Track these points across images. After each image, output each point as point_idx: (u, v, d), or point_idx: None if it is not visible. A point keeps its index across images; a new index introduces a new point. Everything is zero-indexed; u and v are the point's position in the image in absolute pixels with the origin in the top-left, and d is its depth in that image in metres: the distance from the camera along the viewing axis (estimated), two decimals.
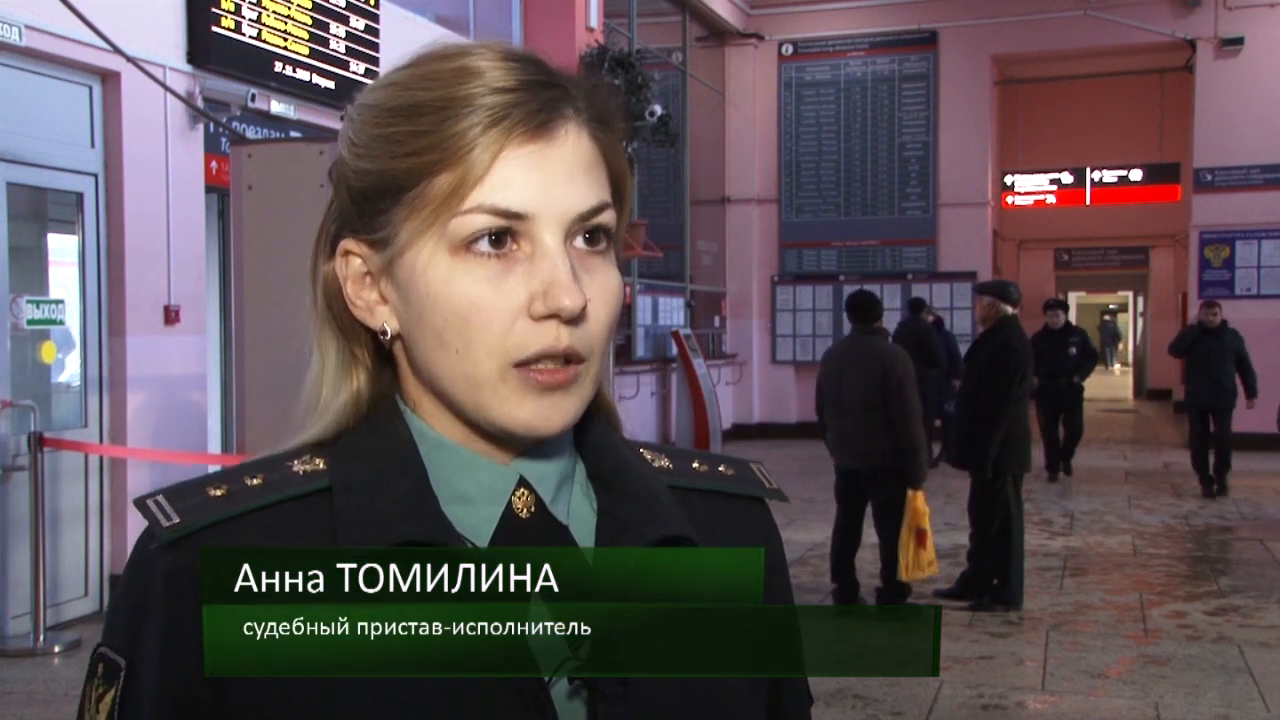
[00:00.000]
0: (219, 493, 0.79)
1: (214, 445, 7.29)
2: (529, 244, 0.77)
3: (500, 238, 0.76)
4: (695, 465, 0.92)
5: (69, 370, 6.40)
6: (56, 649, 5.64)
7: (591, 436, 0.87)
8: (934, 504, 6.30)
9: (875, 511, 6.34)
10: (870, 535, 6.50)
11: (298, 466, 0.81)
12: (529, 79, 0.78)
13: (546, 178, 0.77)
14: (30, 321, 5.99)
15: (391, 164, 0.78)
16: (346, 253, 0.82)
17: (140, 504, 0.79)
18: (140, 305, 6.55)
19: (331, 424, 0.83)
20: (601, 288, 0.79)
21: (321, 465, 0.81)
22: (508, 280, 0.76)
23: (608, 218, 0.80)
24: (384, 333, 0.82)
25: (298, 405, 0.87)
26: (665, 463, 0.91)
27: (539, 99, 0.77)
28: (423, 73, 0.79)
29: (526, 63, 0.79)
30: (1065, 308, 11.87)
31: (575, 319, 0.76)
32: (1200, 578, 7.30)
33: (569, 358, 0.77)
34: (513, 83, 0.77)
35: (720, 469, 0.93)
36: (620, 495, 0.84)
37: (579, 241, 0.79)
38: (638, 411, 12.46)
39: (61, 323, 6.20)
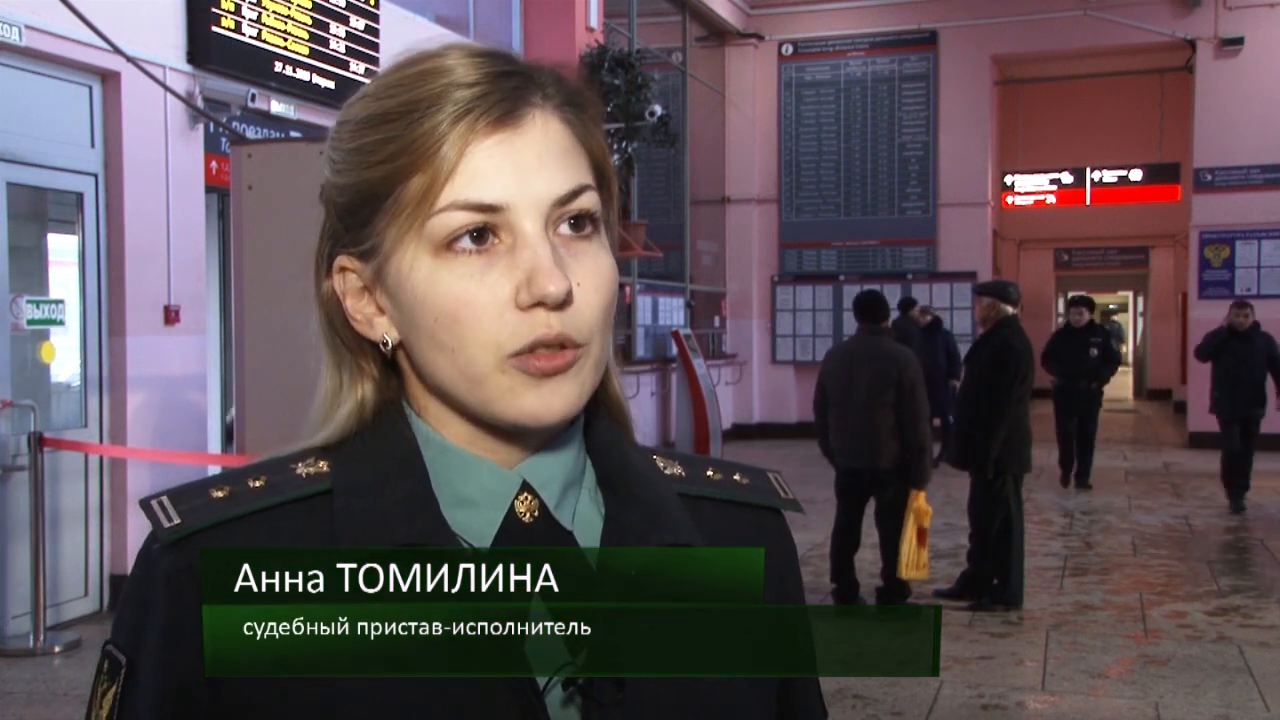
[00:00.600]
0: (221, 494, 0.79)
1: (214, 445, 7.29)
2: (509, 235, 0.76)
3: (480, 234, 0.76)
4: (709, 473, 0.91)
5: (69, 370, 6.40)
6: (56, 649, 5.63)
7: (600, 439, 0.86)
8: (934, 504, 6.31)
9: (878, 511, 6.34)
10: (870, 535, 6.50)
11: (301, 469, 0.81)
12: (492, 71, 0.78)
13: (518, 166, 0.76)
14: (30, 321, 5.99)
15: (367, 174, 0.78)
16: (342, 269, 0.82)
17: (144, 505, 0.80)
18: (140, 305, 6.55)
19: (336, 430, 0.83)
20: (590, 271, 0.78)
21: (324, 468, 0.81)
22: (491, 274, 0.76)
23: (589, 200, 0.79)
24: (384, 343, 0.82)
25: (301, 411, 0.87)
26: (678, 470, 0.90)
27: (502, 89, 0.77)
28: (391, 81, 0.79)
29: (491, 57, 0.79)
30: (1090, 305, 10.88)
31: (562, 304, 0.76)
32: (1200, 578, 7.30)
33: (564, 343, 0.76)
34: (476, 76, 0.77)
35: (735, 477, 0.92)
36: (626, 501, 0.83)
37: (563, 228, 0.78)
38: (638, 411, 12.45)
39: (61, 323, 6.20)
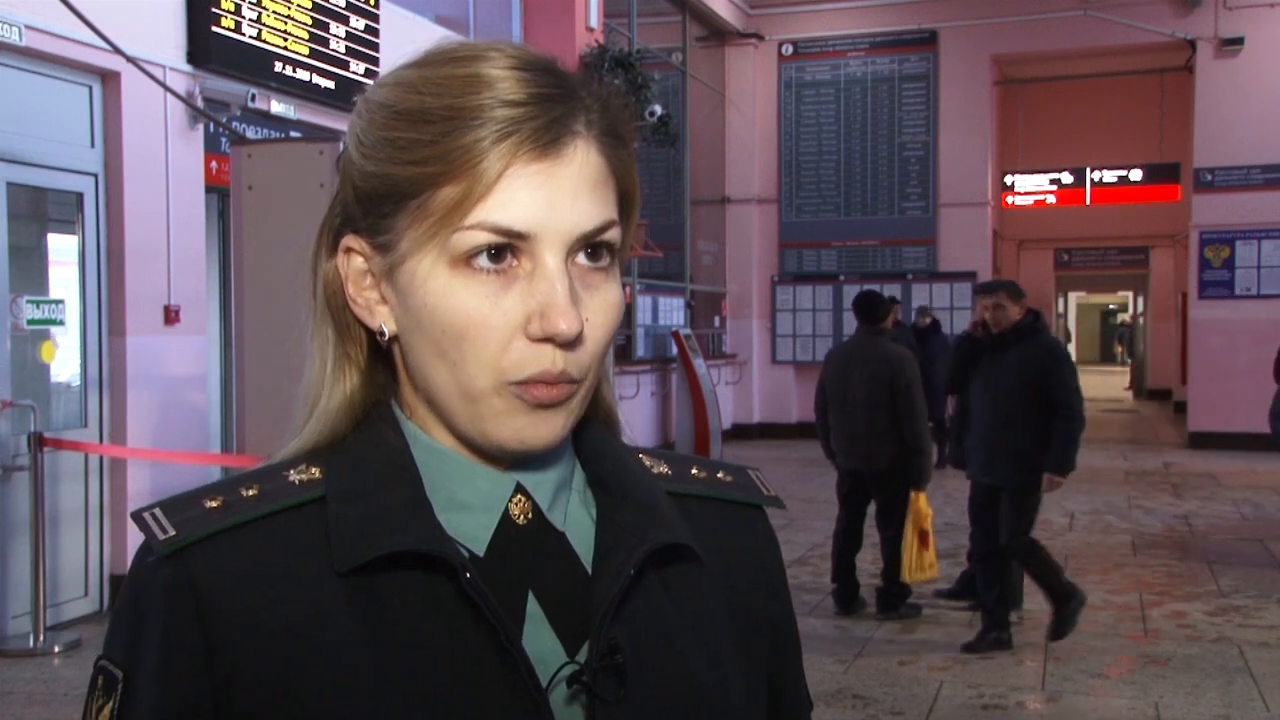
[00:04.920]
0: (215, 504, 0.78)
1: (214, 445, 7.29)
2: (529, 261, 0.76)
3: (500, 252, 0.75)
4: (694, 471, 0.92)
5: (69, 370, 6.40)
6: (56, 649, 5.63)
7: (591, 441, 0.86)
8: (934, 504, 6.29)
9: (878, 512, 6.34)
10: (871, 535, 6.50)
11: (294, 476, 0.81)
12: (540, 91, 0.76)
13: (551, 197, 0.75)
14: (30, 321, 5.99)
15: (396, 170, 0.77)
16: (349, 249, 0.81)
17: (137, 517, 0.79)
18: (140, 305, 6.55)
19: (326, 429, 0.82)
20: (600, 306, 0.78)
21: (317, 474, 0.81)
22: (506, 297, 0.75)
23: (612, 235, 0.79)
24: (382, 333, 0.81)
25: (297, 405, 0.86)
26: (664, 469, 0.91)
27: (549, 114, 0.76)
28: (433, 76, 0.78)
29: (540, 72, 0.78)
30: None
31: (571, 343, 0.76)
32: (1200, 578, 7.29)
33: (563, 379, 0.77)
34: (523, 96, 0.76)
35: (719, 475, 0.93)
36: (621, 500, 0.83)
37: (581, 258, 0.77)
38: (638, 411, 12.45)
39: (61, 323, 6.20)
